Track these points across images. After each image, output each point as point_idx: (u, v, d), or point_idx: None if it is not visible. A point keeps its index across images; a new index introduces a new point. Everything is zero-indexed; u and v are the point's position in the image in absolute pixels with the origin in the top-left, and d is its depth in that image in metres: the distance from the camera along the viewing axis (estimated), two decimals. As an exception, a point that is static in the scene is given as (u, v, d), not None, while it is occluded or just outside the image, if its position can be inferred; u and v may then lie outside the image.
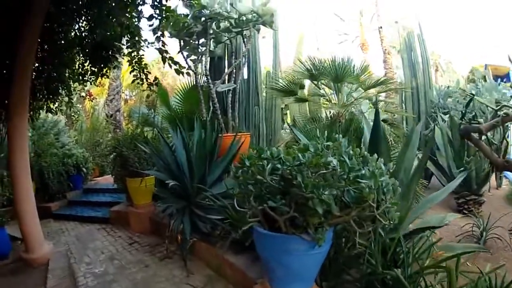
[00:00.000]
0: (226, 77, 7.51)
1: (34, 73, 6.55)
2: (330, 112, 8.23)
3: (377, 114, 4.03)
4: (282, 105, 9.99)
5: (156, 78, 6.38)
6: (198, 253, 4.69)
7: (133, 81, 6.59)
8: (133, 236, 6.22)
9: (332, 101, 7.96)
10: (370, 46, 28.30)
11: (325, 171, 2.52)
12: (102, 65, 6.75)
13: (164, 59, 6.08)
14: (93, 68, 6.84)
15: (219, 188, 4.82)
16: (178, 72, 5.94)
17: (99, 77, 7.19)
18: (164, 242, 5.18)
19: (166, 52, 6.15)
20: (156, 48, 6.01)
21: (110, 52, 6.50)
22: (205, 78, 6.90)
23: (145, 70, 6.38)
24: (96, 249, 5.82)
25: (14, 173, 5.02)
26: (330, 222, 2.62)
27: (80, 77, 7.21)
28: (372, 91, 7.94)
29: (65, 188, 9.29)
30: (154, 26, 5.61)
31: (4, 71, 5.64)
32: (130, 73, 6.59)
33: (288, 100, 9.17)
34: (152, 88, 6.53)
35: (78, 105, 18.39)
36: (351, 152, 2.73)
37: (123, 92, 17.54)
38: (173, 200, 5.03)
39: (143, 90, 7.08)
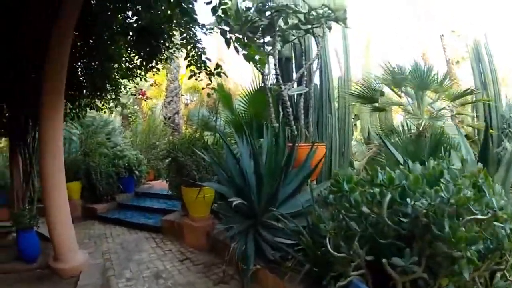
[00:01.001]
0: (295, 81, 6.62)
1: (80, 69, 6.28)
2: (409, 124, 7.37)
3: (486, 130, 3.09)
4: (352, 114, 9.05)
5: (218, 65, 5.49)
6: (260, 282, 3.93)
7: (190, 77, 5.79)
8: (186, 252, 5.54)
9: (412, 111, 7.11)
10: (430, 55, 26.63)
11: (481, 217, 1.74)
12: (151, 56, 6.16)
13: (228, 42, 5.07)
14: (141, 60, 6.27)
15: (291, 207, 4.08)
16: (249, 59, 4.79)
17: (149, 71, 6.64)
18: (221, 262, 4.56)
19: (230, 32, 5.30)
20: (218, 29, 5.11)
21: (160, 41, 5.87)
22: (275, 80, 6.03)
23: (203, 56, 5.46)
24: (141, 262, 5.17)
25: (44, 180, 4.47)
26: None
27: (129, 72, 6.71)
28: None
29: (114, 190, 8.86)
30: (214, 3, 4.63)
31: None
32: (187, 67, 5.79)
33: (362, 109, 8.27)
34: (212, 79, 5.63)
35: (135, 106, 18.42)
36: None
37: (182, 95, 17.03)
38: (236, 219, 4.26)
39: (203, 88, 6.29)
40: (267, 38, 6.04)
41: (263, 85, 6.07)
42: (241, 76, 15.92)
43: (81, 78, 6.39)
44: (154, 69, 6.66)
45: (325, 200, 2.24)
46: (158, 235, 6.54)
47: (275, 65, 5.94)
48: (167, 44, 5.99)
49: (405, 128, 7.38)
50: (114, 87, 6.93)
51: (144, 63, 6.29)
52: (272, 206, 3.98)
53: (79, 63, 6.20)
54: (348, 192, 2.02)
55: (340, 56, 7.38)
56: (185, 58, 5.60)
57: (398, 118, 10.49)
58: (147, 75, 7.21)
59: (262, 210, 4.14)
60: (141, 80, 7.17)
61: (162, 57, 6.28)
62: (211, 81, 5.69)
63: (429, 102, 7.48)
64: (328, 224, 2.21)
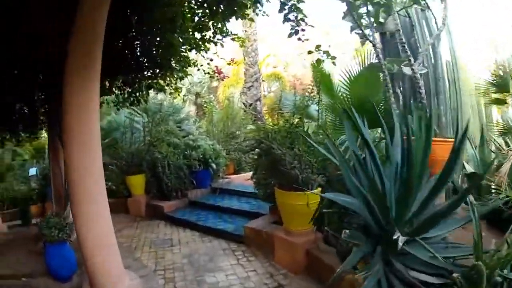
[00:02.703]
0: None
1: (137, 45, 5.31)
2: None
3: None
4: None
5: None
6: None
7: (290, 35, 4.32)
8: (276, 274, 4.13)
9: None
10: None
11: None
12: (226, 15, 4.78)
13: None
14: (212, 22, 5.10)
15: (429, 226, 2.73)
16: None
17: (225, 35, 5.51)
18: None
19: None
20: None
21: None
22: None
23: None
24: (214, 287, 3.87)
25: (72, 186, 3.21)
26: None
27: (199, 42, 5.53)
28: None
29: (186, 185, 7.67)
30: None
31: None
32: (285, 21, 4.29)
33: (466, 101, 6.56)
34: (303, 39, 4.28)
35: (210, 95, 17.45)
36: None
37: (263, 80, 15.56)
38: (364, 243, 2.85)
39: (309, 52, 4.76)
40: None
41: (376, 60, 4.67)
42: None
43: (138, 55, 5.41)
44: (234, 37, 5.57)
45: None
46: (239, 247, 5.12)
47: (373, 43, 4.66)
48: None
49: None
50: (180, 63, 5.78)
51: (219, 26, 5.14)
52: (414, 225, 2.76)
53: (134, 38, 5.21)
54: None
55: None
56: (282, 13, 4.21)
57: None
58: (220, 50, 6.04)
59: (392, 229, 2.66)
60: (209, 51, 5.89)
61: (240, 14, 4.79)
62: (319, 50, 4.46)
63: None
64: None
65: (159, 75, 5.85)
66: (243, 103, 13.60)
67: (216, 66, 6.94)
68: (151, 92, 6.55)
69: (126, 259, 4.44)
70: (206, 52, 5.83)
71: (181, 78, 6.17)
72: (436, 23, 5.01)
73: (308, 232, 4.16)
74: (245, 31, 12.76)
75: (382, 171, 2.96)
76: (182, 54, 5.57)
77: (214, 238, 5.54)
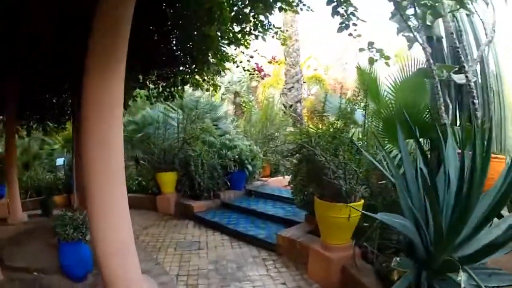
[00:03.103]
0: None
1: (172, 38, 5.24)
2: None
3: None
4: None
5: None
6: None
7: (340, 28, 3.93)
8: None
9: None
10: None
11: None
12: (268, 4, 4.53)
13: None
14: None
15: (484, 255, 2.52)
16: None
17: (267, 29, 5.19)
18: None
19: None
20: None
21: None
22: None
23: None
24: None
25: (88, 186, 2.94)
26: None
27: (237, 35, 5.24)
28: None
29: (219, 186, 7.38)
30: None
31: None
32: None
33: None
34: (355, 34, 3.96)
35: (249, 95, 17.17)
36: None
37: (304, 82, 15.09)
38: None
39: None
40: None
41: (427, 65, 4.24)
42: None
43: (174, 48, 5.36)
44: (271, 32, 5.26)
45: None
46: (270, 255, 4.73)
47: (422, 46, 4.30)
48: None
49: None
50: (217, 57, 5.48)
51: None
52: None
53: (169, 32, 5.08)
54: None
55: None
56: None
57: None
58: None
59: (439, 254, 2.56)
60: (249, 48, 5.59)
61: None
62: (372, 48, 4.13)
63: None
64: None
65: (195, 70, 5.66)
66: (283, 104, 13.12)
67: (257, 63, 6.63)
68: (189, 89, 6.38)
69: (148, 262, 4.20)
70: (246, 48, 5.52)
71: (218, 73, 5.90)
72: (485, 28, 4.56)
73: (347, 247, 3.72)
74: (286, 30, 12.40)
75: (437, 191, 2.60)
76: (219, 47, 5.27)
77: (245, 244, 5.19)
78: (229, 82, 17.65)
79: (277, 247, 4.79)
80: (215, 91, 6.49)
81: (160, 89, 6.25)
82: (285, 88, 13.34)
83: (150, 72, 5.93)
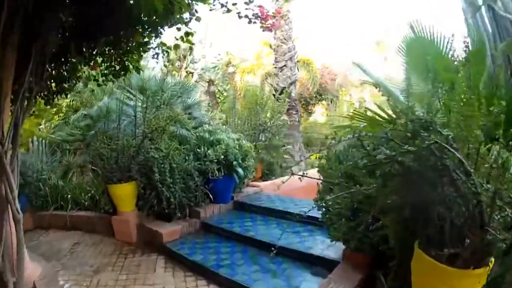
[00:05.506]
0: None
1: None
2: None
3: None
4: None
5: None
6: None
7: None
8: None
9: None
10: None
11: None
12: None
13: None
14: None
15: None
16: None
17: None
18: None
19: None
20: None
21: None
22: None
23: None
24: None
25: None
26: None
27: None
28: None
29: (197, 200, 5.21)
30: None
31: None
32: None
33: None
34: None
35: (225, 86, 15.48)
36: None
37: (298, 61, 12.76)
38: None
39: None
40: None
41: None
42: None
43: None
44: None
45: None
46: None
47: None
48: None
49: None
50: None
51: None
52: None
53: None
54: None
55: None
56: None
57: None
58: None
59: None
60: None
61: None
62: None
63: None
64: None
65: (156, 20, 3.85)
66: (274, 88, 10.95)
67: (261, 7, 4.50)
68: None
69: None
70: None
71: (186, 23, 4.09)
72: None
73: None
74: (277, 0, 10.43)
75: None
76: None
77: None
78: (202, 69, 15.74)
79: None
80: (189, 42, 4.37)
81: (110, 62, 4.52)
82: (276, 67, 11.22)
83: (97, 42, 4.20)
